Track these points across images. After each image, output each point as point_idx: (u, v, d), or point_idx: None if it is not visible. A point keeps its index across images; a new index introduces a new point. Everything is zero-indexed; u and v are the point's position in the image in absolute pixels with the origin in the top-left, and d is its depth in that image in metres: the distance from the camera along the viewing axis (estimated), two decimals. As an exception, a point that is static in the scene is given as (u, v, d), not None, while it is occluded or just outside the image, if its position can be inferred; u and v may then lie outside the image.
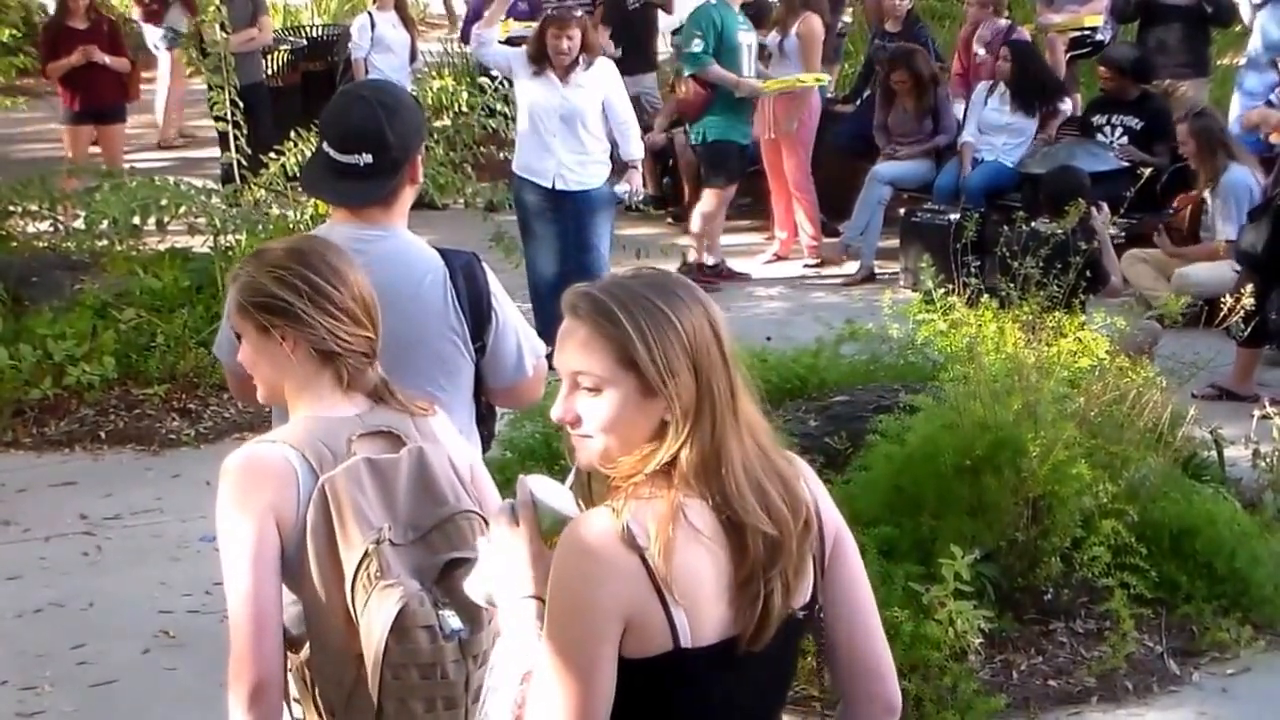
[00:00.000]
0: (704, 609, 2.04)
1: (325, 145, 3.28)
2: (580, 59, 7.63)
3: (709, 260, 9.56)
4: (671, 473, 2.06)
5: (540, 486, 2.22)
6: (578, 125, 7.66)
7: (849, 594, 2.24)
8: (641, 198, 8.74)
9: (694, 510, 2.05)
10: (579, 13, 8.09)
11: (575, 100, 7.64)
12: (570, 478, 2.25)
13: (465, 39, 12.32)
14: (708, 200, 9.48)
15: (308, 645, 2.61)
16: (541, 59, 7.64)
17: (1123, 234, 7.54)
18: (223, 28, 9.56)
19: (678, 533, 2.02)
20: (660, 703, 2.07)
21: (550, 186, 7.65)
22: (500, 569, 2.20)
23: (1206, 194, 8.57)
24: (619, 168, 8.03)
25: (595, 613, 2.01)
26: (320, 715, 2.63)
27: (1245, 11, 9.93)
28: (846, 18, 13.01)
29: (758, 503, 2.07)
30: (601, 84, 7.77)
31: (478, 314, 3.30)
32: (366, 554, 2.49)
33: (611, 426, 2.08)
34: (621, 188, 7.90)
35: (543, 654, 2.04)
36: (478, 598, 2.30)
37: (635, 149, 8.02)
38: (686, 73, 9.17)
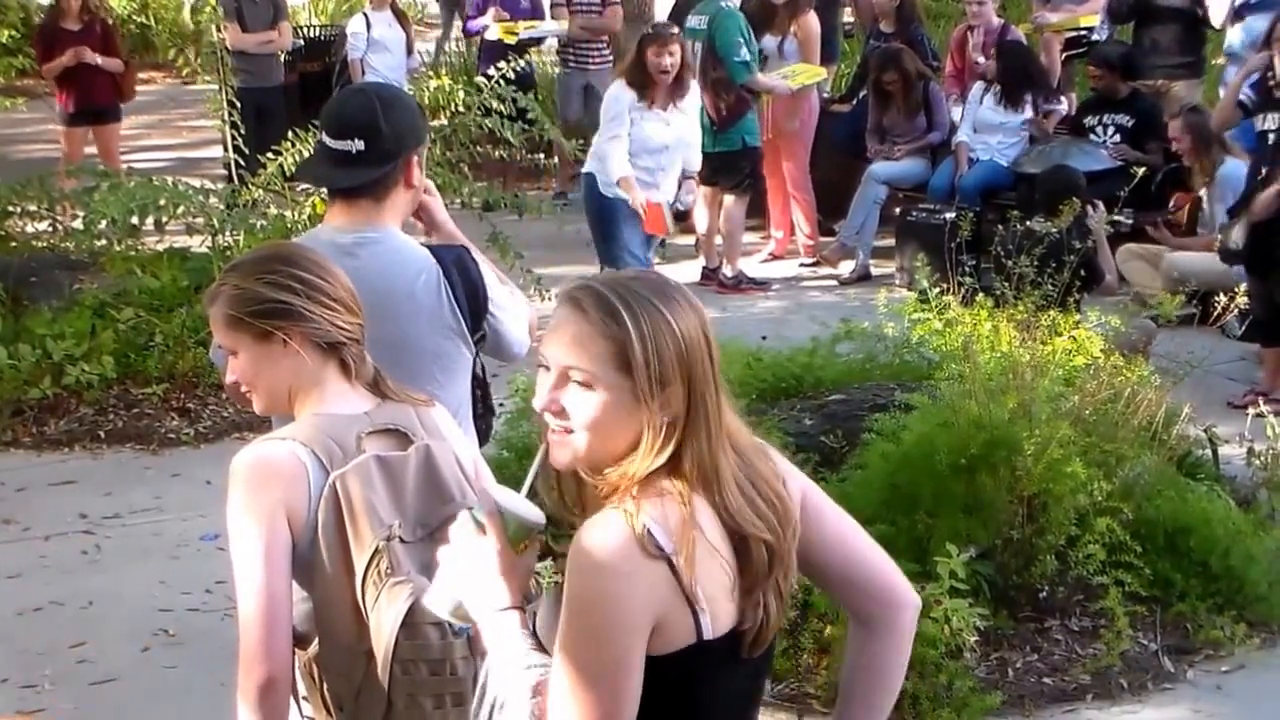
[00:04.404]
0: (719, 604, 2.05)
1: (322, 135, 3.32)
2: (683, 85, 7.76)
3: (728, 271, 9.52)
4: (663, 478, 2.05)
5: (500, 495, 2.20)
6: (681, 153, 7.89)
7: (832, 536, 2.24)
8: (688, 205, 8.80)
9: (704, 515, 2.05)
10: (675, 30, 8.13)
11: (682, 130, 7.84)
12: (530, 476, 2.20)
13: (467, 35, 12.34)
14: (739, 206, 9.41)
15: (316, 642, 2.64)
16: (644, 83, 7.71)
17: (1127, 225, 7.61)
18: (243, 28, 9.60)
19: (697, 538, 2.02)
20: (682, 694, 2.07)
21: None
22: (471, 582, 2.16)
23: (1203, 190, 8.60)
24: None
25: (625, 620, 1.98)
26: (328, 711, 2.65)
27: (1219, 13, 9.83)
28: (848, 16, 13.03)
29: (750, 510, 2.08)
30: (696, 107, 7.96)
31: (475, 306, 3.33)
32: (377, 551, 2.51)
33: (595, 426, 2.06)
34: (686, 196, 8.08)
35: (565, 663, 2.00)
36: (441, 611, 2.23)
37: (698, 162, 8.16)
38: (739, 82, 9.06)
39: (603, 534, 2.01)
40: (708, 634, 2.04)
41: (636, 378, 2.03)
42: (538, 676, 2.05)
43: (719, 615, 2.05)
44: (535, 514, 2.18)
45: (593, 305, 2.05)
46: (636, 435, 2.06)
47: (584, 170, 8.04)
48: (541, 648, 2.10)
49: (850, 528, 2.29)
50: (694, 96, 7.99)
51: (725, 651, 2.07)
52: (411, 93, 9.92)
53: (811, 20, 9.92)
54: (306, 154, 7.30)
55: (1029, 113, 9.71)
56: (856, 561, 2.28)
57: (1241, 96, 8.58)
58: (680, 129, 7.85)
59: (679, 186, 8.00)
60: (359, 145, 3.22)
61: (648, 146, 7.77)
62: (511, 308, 3.43)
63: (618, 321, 2.03)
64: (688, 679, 2.06)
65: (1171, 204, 8.91)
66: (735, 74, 9.00)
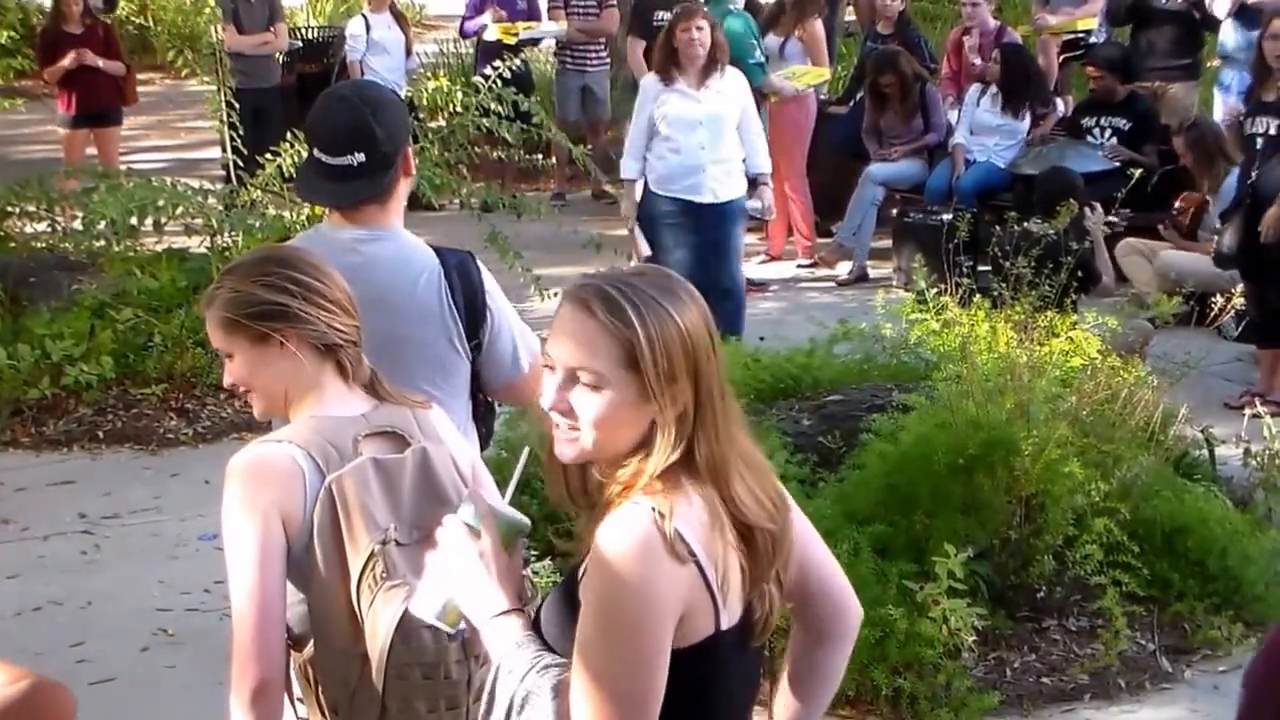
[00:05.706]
0: (733, 594, 2.08)
1: (315, 151, 3.29)
2: (716, 65, 7.45)
3: None
4: (680, 473, 2.06)
5: (488, 498, 2.22)
6: (722, 134, 7.50)
7: (799, 542, 2.24)
8: (773, 214, 8.62)
9: (719, 509, 2.07)
10: (703, 5, 7.92)
11: (716, 108, 7.47)
12: (514, 482, 2.24)
13: (464, 35, 12.35)
14: None
15: (311, 644, 2.63)
16: (670, 65, 7.46)
17: (1120, 227, 7.65)
18: (240, 29, 9.58)
19: (719, 535, 2.05)
20: (697, 685, 2.08)
21: (705, 202, 7.49)
22: (466, 586, 2.18)
23: (1210, 197, 8.62)
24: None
25: (655, 615, 2.00)
26: (323, 714, 2.65)
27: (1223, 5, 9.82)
28: (849, 15, 13.04)
29: (754, 502, 2.09)
30: (738, 92, 7.62)
31: (472, 312, 3.31)
32: (373, 554, 2.51)
33: (603, 424, 2.06)
34: (754, 204, 7.74)
35: (591, 659, 2.00)
36: (427, 615, 2.25)
37: (765, 163, 7.82)
38: (755, 84, 8.95)
39: (631, 530, 2.01)
40: (725, 625, 2.06)
41: (645, 375, 2.04)
42: (556, 677, 2.05)
43: (732, 605, 2.08)
44: (522, 516, 2.21)
45: (599, 305, 2.05)
46: (643, 431, 2.07)
47: (649, 185, 7.79)
48: (549, 648, 2.10)
49: (813, 535, 2.31)
50: (736, 82, 7.61)
51: (736, 641, 2.10)
52: (409, 94, 9.95)
53: (817, 23, 9.92)
54: (305, 154, 7.29)
55: (1027, 119, 9.73)
56: (817, 569, 2.30)
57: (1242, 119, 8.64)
58: (715, 107, 7.46)
59: (752, 189, 7.67)
60: (359, 158, 3.20)
61: (683, 122, 7.44)
62: (514, 326, 3.41)
63: (624, 321, 2.03)
64: (703, 670, 2.08)
65: (1178, 204, 8.90)
66: (751, 75, 8.97)
